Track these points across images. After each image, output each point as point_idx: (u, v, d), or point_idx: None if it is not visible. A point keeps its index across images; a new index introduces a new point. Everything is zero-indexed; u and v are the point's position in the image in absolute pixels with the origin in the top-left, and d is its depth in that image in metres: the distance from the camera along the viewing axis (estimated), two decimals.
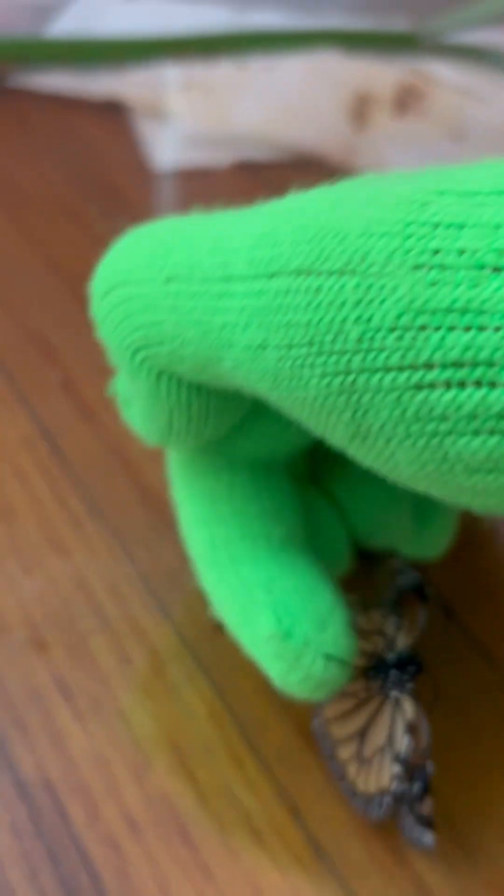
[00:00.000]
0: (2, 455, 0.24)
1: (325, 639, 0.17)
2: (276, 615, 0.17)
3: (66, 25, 0.38)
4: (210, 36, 0.36)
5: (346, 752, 0.18)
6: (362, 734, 0.18)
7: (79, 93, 0.36)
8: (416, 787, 0.18)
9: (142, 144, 0.34)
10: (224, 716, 0.20)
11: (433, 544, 0.21)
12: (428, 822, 0.17)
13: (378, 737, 0.18)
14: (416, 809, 0.18)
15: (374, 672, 0.19)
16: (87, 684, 0.20)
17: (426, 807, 0.18)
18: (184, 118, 0.34)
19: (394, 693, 0.18)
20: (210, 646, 0.21)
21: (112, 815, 0.18)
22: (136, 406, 0.17)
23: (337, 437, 0.14)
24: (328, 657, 0.17)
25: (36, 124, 0.35)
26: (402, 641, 0.19)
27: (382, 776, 0.18)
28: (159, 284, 0.15)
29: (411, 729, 0.18)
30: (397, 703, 0.18)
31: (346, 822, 0.19)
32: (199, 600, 0.20)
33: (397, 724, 0.18)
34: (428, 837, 0.17)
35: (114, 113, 0.35)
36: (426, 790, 0.18)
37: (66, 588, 0.22)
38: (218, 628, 0.19)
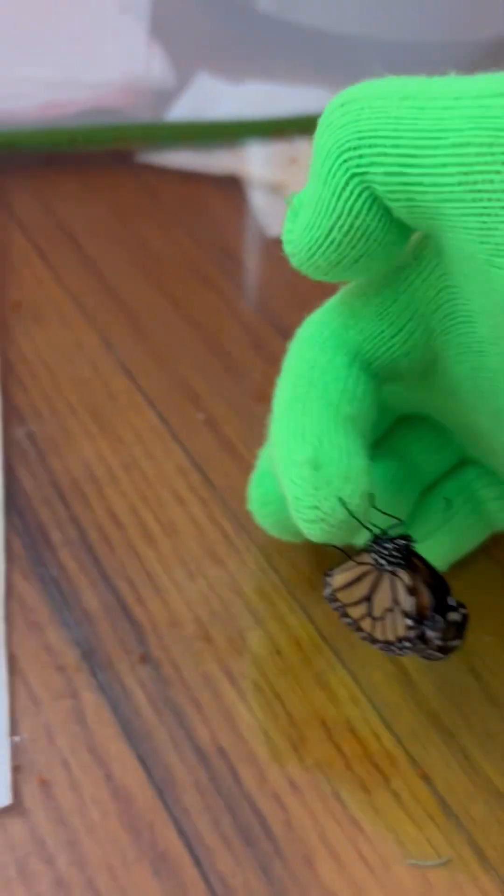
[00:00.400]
0: (163, 482, 0.28)
1: (345, 488, 0.19)
2: (315, 451, 0.19)
3: (185, 108, 0.43)
4: (312, 115, 0.41)
5: (357, 613, 0.21)
6: (368, 599, 0.21)
7: (200, 168, 0.41)
8: (432, 634, 0.20)
9: (256, 213, 0.39)
10: (361, 699, 0.24)
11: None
12: (442, 650, 0.21)
13: (383, 601, 0.20)
14: (432, 644, 0.21)
15: (371, 547, 0.20)
16: (248, 671, 0.24)
17: (438, 640, 0.21)
18: (290, 189, 0.39)
19: (390, 567, 0.20)
20: (346, 642, 0.25)
21: (276, 778, 0.22)
22: (303, 216, 0.18)
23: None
24: (341, 500, 0.19)
25: (164, 196, 0.40)
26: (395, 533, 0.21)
27: (397, 627, 0.20)
28: (395, 100, 0.17)
29: (412, 591, 0.20)
30: (394, 574, 0.20)
31: (469, 788, 0.22)
32: None
33: (398, 590, 0.20)
34: (439, 657, 0.21)
35: (231, 185, 0.40)
36: (439, 629, 0.20)
37: (223, 592, 0.26)
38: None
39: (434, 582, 0.20)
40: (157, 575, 0.26)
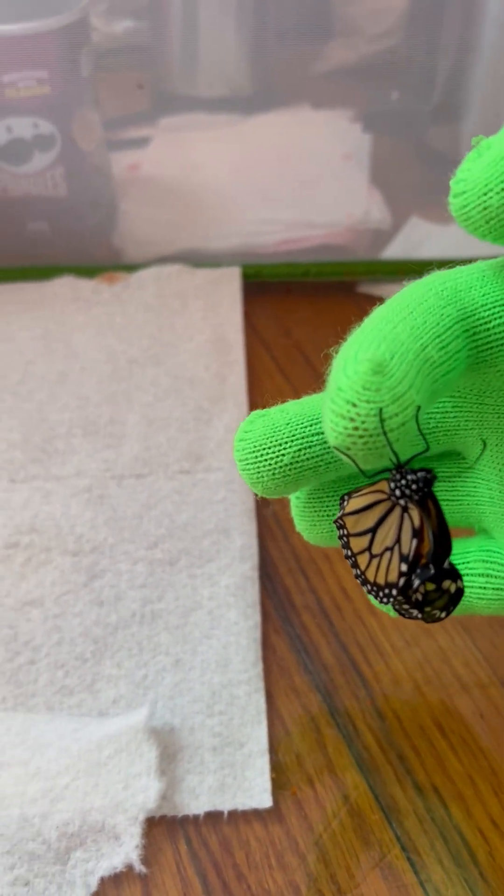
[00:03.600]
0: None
1: (390, 406, 0.17)
2: (382, 358, 0.17)
3: (399, 247, 0.51)
4: None
5: (358, 545, 0.20)
6: (373, 532, 0.20)
7: None
8: (417, 582, 0.19)
9: None
10: None
11: None
12: (418, 605, 0.20)
13: (386, 537, 0.20)
14: (412, 596, 0.20)
15: (391, 475, 0.20)
16: (456, 727, 0.30)
17: (419, 593, 0.20)
18: None
19: (403, 500, 0.19)
20: None
21: (480, 815, 0.27)
22: (488, 155, 0.18)
23: None
24: (380, 413, 0.17)
25: None
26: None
27: (391, 571, 0.20)
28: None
29: (416, 534, 0.19)
30: (405, 510, 0.19)
31: None
32: None
33: (405, 529, 0.19)
34: (416, 614, 0.20)
35: None
36: (423, 583, 0.20)
37: (435, 660, 0.31)
38: None
39: (440, 534, 0.19)
40: (380, 641, 0.32)
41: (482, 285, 0.20)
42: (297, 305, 0.48)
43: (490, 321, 0.20)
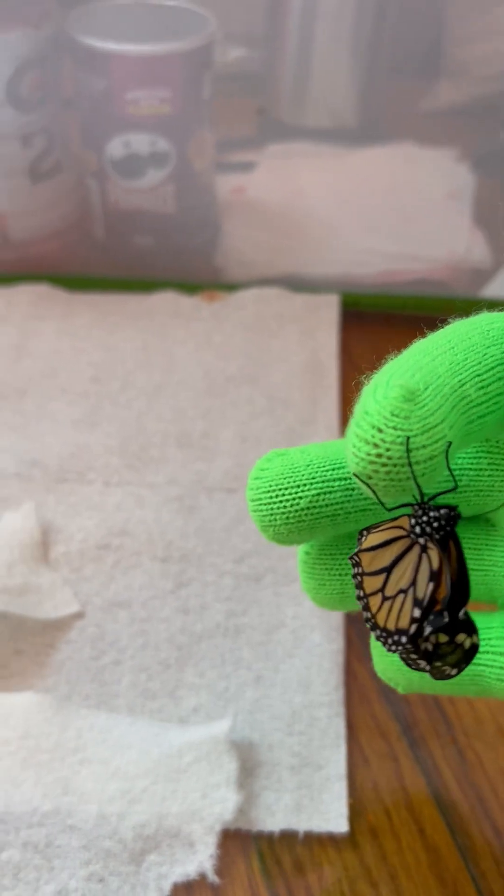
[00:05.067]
0: None
1: (419, 437, 0.16)
2: (416, 387, 0.17)
3: (499, 286, 0.50)
4: None
5: (371, 586, 0.19)
6: (388, 571, 0.18)
7: None
8: (428, 630, 0.18)
9: None
10: None
11: None
12: (427, 656, 0.18)
13: (402, 578, 0.18)
14: (423, 645, 0.18)
15: (413, 511, 0.18)
16: None
17: (429, 643, 0.18)
18: None
19: (423, 539, 0.18)
20: None
21: None
22: None
23: None
24: (406, 441, 0.16)
25: None
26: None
27: (402, 616, 0.18)
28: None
29: (433, 576, 0.18)
30: (424, 549, 0.18)
31: None
32: None
33: (422, 570, 0.18)
34: (424, 665, 0.19)
35: None
36: (435, 632, 0.18)
37: None
38: None
39: (459, 579, 0.18)
40: None
41: None
42: (394, 336, 0.48)
43: None
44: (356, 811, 0.28)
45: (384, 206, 0.55)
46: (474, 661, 0.21)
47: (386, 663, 0.22)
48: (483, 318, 0.19)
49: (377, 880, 0.26)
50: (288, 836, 0.27)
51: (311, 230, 0.55)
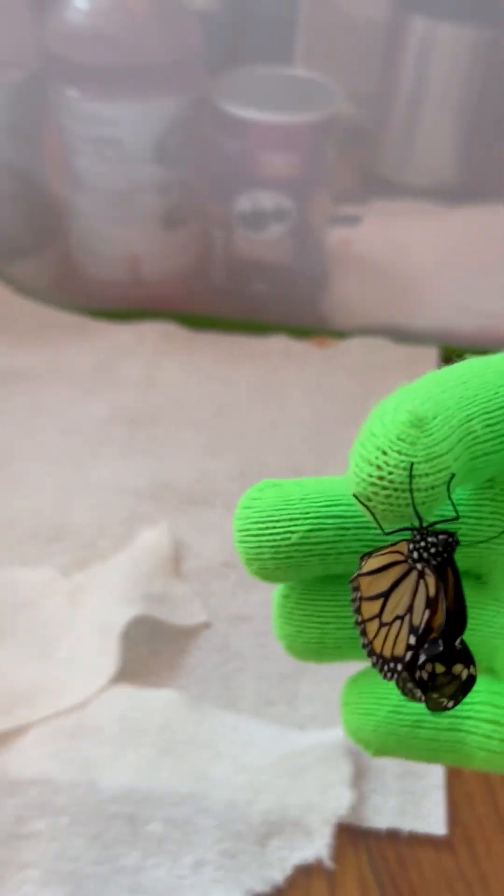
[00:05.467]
0: None
1: (422, 465, 0.16)
2: (425, 415, 0.16)
3: None
4: None
5: (368, 611, 0.18)
6: (386, 596, 0.18)
7: None
8: (422, 658, 0.18)
9: None
10: None
11: None
12: (422, 685, 0.18)
13: (398, 604, 0.18)
14: (417, 674, 0.18)
15: (412, 536, 0.18)
16: None
17: (424, 672, 0.18)
18: None
19: (420, 564, 0.18)
20: None
21: None
22: None
23: None
24: (411, 467, 0.16)
25: None
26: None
27: (398, 643, 0.18)
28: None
29: (430, 603, 0.18)
30: (421, 574, 0.18)
31: None
32: None
33: (419, 596, 0.18)
34: (420, 695, 0.18)
35: None
36: (430, 660, 0.18)
37: None
38: None
39: (455, 608, 0.18)
40: None
41: None
42: None
43: None
44: (452, 818, 0.31)
45: (484, 264, 0.59)
46: (454, 727, 0.20)
47: (360, 723, 0.20)
48: (500, 358, 0.19)
49: (471, 881, 0.30)
50: (392, 835, 0.31)
51: (413, 284, 0.59)
